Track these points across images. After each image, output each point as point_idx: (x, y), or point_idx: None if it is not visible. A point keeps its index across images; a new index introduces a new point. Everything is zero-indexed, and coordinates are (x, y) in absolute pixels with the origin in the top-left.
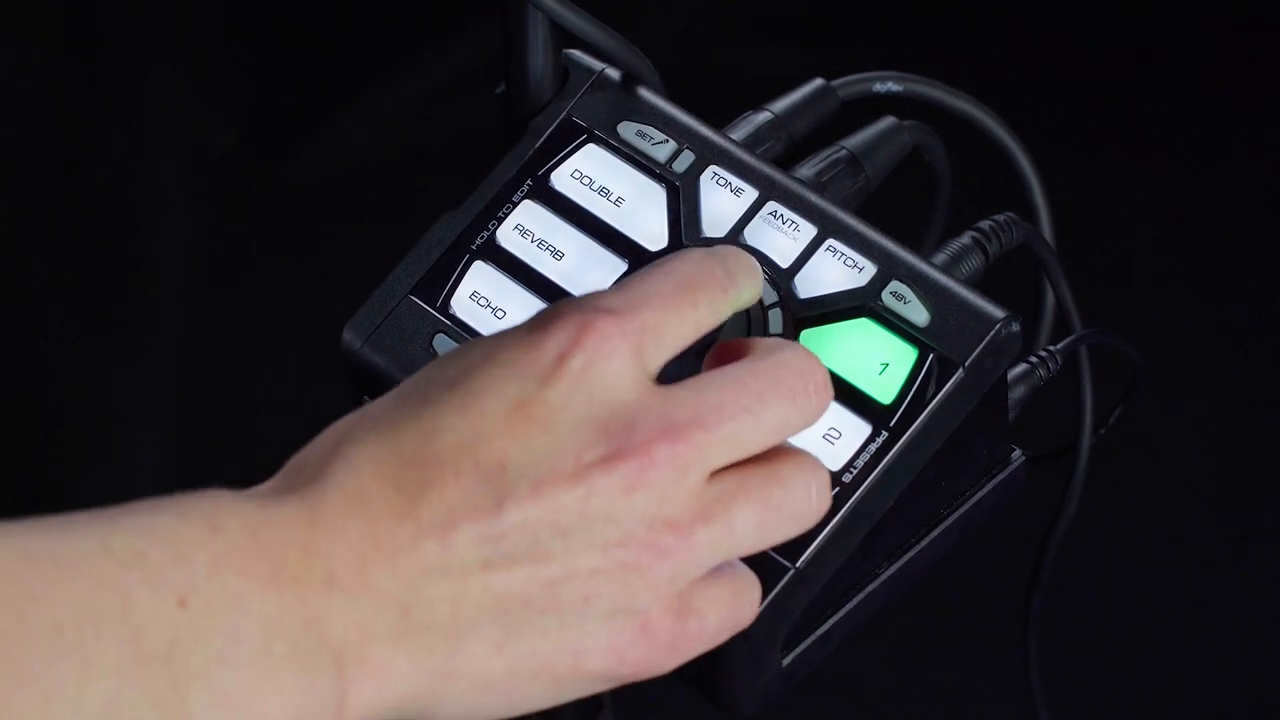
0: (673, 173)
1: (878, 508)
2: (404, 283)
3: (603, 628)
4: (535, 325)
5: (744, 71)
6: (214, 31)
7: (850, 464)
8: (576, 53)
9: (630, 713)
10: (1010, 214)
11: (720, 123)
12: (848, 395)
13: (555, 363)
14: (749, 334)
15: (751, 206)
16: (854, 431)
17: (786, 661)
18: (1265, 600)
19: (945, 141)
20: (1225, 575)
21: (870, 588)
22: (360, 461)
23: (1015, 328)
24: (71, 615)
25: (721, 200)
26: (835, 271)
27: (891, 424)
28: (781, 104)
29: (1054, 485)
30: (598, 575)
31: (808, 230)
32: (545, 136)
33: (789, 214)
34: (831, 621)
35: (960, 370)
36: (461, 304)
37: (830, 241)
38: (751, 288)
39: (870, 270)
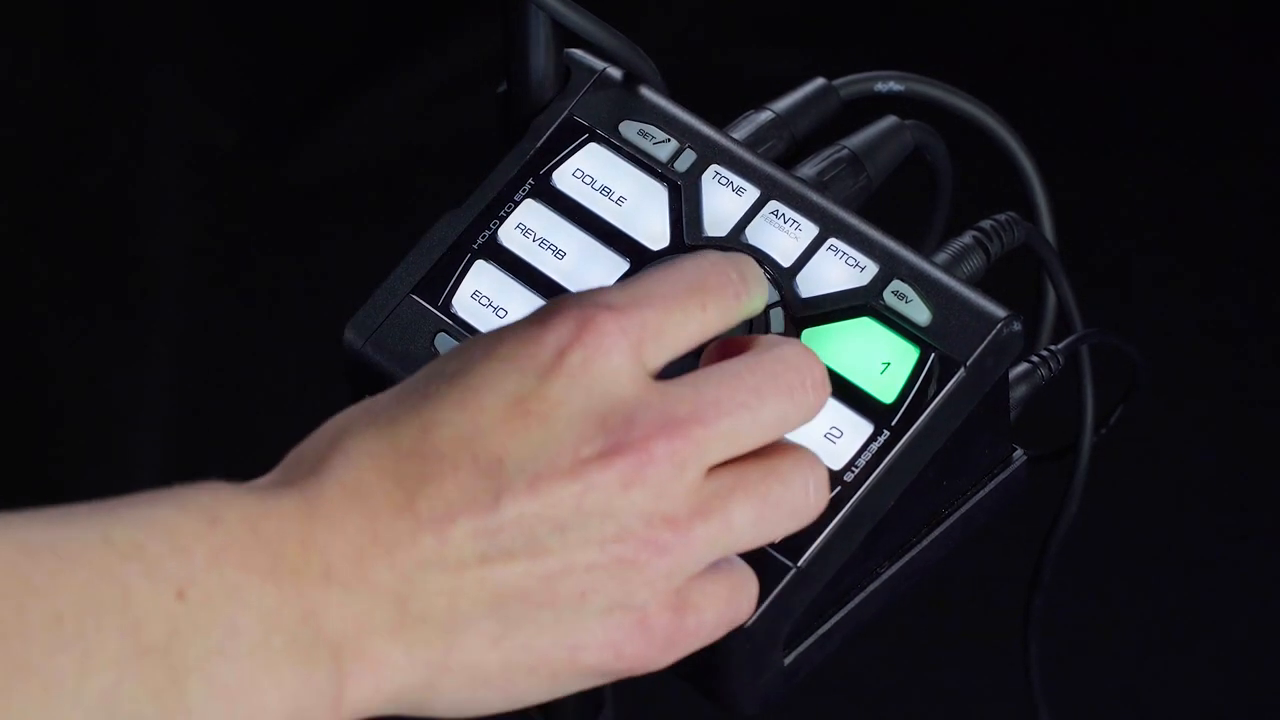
0: (674, 172)
1: (879, 507)
2: (405, 282)
3: (599, 623)
4: (535, 320)
5: (745, 71)
6: (214, 31)
7: (852, 463)
8: (578, 52)
9: (631, 711)
10: (1011, 213)
11: (721, 122)
12: (849, 394)
13: (555, 358)
14: (750, 332)
15: (753, 206)
16: (855, 431)
17: (788, 661)
18: (1265, 600)
19: (946, 141)
20: (1225, 575)
21: (871, 587)
22: (359, 455)
23: (1017, 327)
24: (71, 607)
25: (723, 199)
26: (837, 271)
27: (893, 423)
28: (783, 103)
29: (1055, 485)
30: (594, 570)
31: (809, 229)
32: (547, 136)
33: (791, 213)
34: (833, 621)
35: (962, 369)
36: (463, 303)
37: (832, 241)
38: (761, 296)
39: (872, 269)
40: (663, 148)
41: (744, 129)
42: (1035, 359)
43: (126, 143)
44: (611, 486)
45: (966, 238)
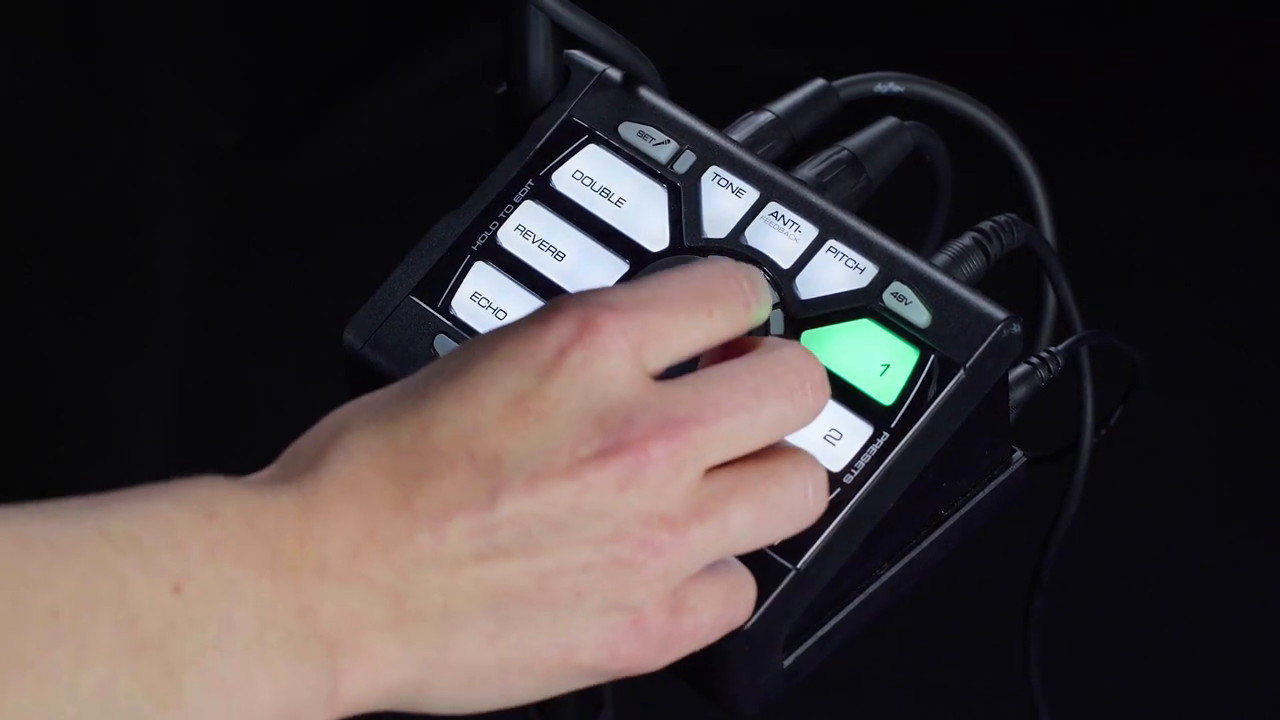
0: (674, 173)
1: (879, 509)
2: (405, 283)
3: (594, 622)
4: (537, 319)
5: (744, 72)
6: (214, 31)
7: (851, 465)
8: (578, 53)
9: (631, 711)
10: (1011, 215)
11: (721, 123)
12: (849, 396)
13: (555, 357)
14: (749, 334)
15: (753, 207)
16: (855, 432)
17: (787, 662)
18: (1265, 600)
19: (946, 142)
20: (1225, 575)
21: (871, 588)
22: (357, 451)
23: (1016, 329)
24: (67, 600)
25: (723, 201)
26: (836, 272)
27: (893, 425)
28: (782, 104)
29: (1055, 485)
30: (590, 570)
31: (809, 231)
32: (546, 137)
33: (790, 215)
34: (833, 622)
35: (961, 371)
36: (462, 305)
37: (831, 242)
38: (766, 307)
39: (871, 271)
40: (662, 149)
41: (743, 130)
42: (1035, 360)
43: (126, 143)
44: (608, 486)
45: (966, 239)
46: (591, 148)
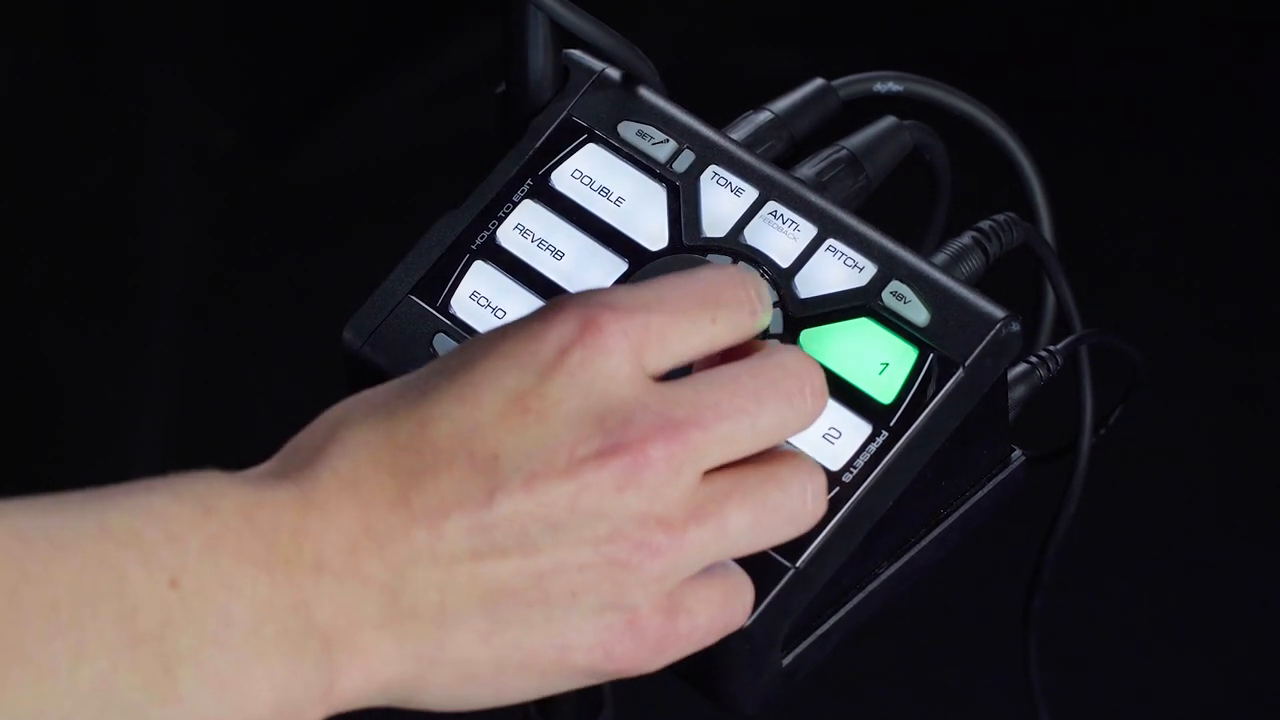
0: (673, 172)
1: (878, 507)
2: (404, 282)
3: (590, 623)
4: (538, 318)
5: (744, 71)
6: (214, 31)
7: (850, 464)
8: (577, 52)
9: (631, 711)
10: (1010, 214)
11: (720, 123)
12: (848, 395)
13: (556, 356)
14: None
15: (752, 206)
16: (854, 431)
17: (787, 661)
18: (1265, 600)
19: (945, 141)
20: (1225, 575)
21: (870, 587)
22: (356, 446)
23: (1015, 327)
24: (66, 594)
25: (722, 200)
26: (835, 271)
27: (891, 424)
28: (782, 104)
29: (1054, 485)
30: (586, 570)
31: (808, 230)
32: (545, 136)
33: (789, 214)
34: (832, 621)
35: (960, 370)
36: (462, 304)
37: (830, 241)
38: (768, 315)
39: (870, 270)
40: (661, 148)
41: (743, 129)
42: (1034, 359)
43: (126, 143)
44: (606, 487)
45: (965, 238)
46: (591, 147)
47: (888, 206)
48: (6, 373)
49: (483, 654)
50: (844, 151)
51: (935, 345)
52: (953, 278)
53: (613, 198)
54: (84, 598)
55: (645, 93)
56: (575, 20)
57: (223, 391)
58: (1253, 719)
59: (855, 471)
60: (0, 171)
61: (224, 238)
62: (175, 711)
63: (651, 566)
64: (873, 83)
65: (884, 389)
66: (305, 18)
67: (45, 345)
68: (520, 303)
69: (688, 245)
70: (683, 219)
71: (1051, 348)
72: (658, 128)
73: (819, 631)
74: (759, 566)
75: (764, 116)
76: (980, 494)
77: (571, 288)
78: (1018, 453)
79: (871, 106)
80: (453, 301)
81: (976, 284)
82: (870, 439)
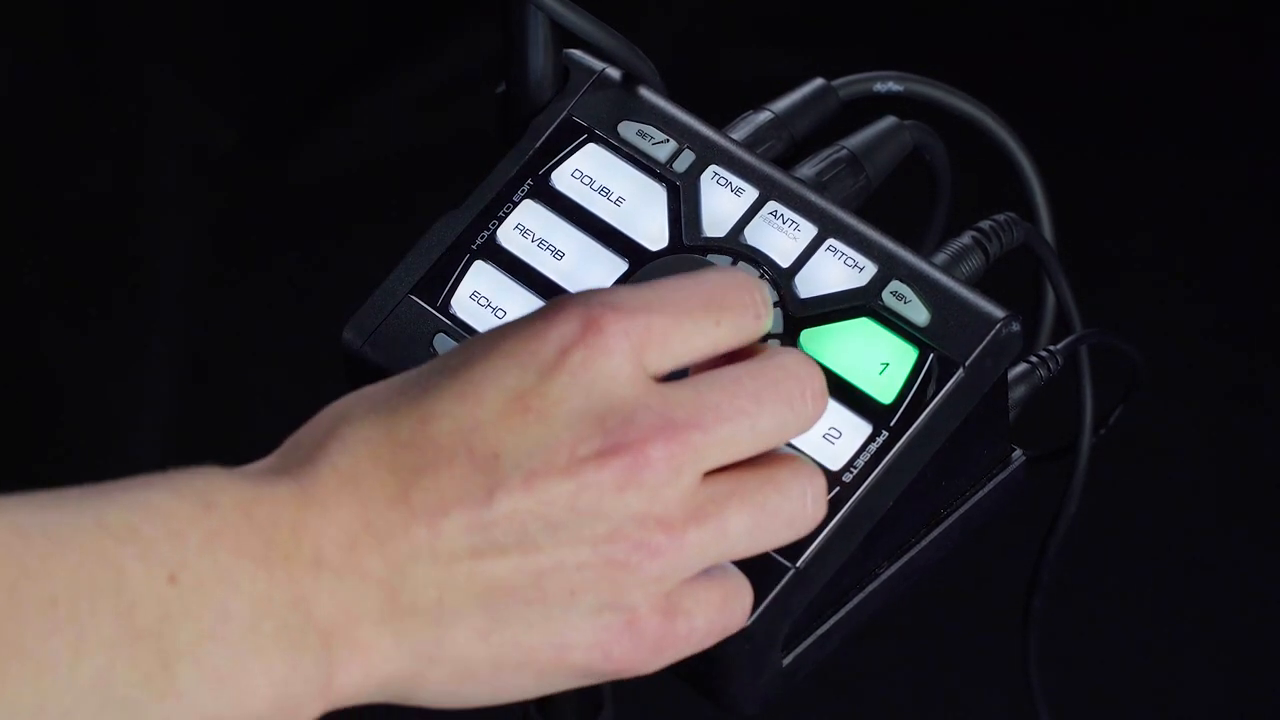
0: (673, 172)
1: (878, 507)
2: (404, 282)
3: (588, 622)
4: (540, 317)
5: (744, 71)
6: (214, 31)
7: (850, 464)
8: (577, 52)
9: (631, 711)
10: (1010, 214)
11: (720, 122)
12: (848, 395)
13: (557, 355)
14: None
15: (752, 206)
16: (854, 431)
17: (787, 661)
18: (1265, 600)
19: (945, 141)
20: (1225, 575)
21: (870, 587)
22: (356, 443)
23: (1015, 327)
24: (65, 590)
25: (722, 200)
26: (836, 271)
27: (892, 424)
28: (782, 104)
29: (1054, 485)
30: (585, 570)
31: (808, 230)
32: (545, 136)
33: (789, 214)
34: (832, 621)
35: (960, 370)
36: (462, 304)
37: (831, 241)
38: (769, 320)
39: (871, 270)
40: (661, 148)
41: (743, 129)
42: (1034, 359)
43: (126, 143)
44: (606, 487)
45: (965, 238)
46: (591, 147)
47: (888, 206)
48: (6, 373)
49: (481, 652)
50: (844, 151)
51: (935, 345)
52: (953, 278)
53: (613, 197)
54: (82, 593)
55: (645, 93)
56: (575, 20)
57: (223, 391)
58: (1253, 719)
59: (855, 471)
60: (0, 171)
61: (224, 238)
62: (174, 707)
63: (650, 567)
64: (873, 83)
65: (884, 389)
66: (305, 18)
67: (45, 345)
68: (520, 303)
69: (688, 245)
70: (683, 219)
71: (1051, 348)
72: (658, 127)
73: (819, 631)
74: (759, 566)
75: (764, 116)
76: (980, 494)
77: (572, 288)
78: (1018, 453)
79: (871, 106)
80: (453, 301)
81: (976, 284)
82: (870, 439)
